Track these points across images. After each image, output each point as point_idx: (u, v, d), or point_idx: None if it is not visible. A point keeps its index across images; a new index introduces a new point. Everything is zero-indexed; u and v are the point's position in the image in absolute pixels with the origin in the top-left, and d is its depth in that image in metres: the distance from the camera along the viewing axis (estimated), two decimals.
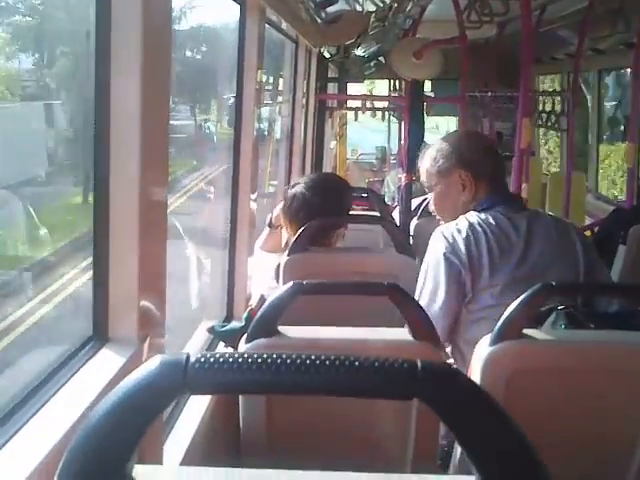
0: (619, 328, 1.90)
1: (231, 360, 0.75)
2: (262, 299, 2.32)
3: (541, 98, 7.15)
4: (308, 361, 0.73)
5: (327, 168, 8.43)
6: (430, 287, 2.31)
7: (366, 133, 17.11)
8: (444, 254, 2.27)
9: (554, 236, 2.32)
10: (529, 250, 2.27)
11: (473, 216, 2.34)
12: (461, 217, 2.35)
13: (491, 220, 2.31)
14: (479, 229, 2.28)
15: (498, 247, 2.26)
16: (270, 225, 3.21)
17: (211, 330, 2.45)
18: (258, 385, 0.75)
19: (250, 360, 0.74)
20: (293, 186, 2.88)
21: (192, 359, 0.76)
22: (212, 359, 0.76)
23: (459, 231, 2.28)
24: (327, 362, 0.72)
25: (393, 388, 0.72)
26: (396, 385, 0.72)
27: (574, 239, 2.34)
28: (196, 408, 2.18)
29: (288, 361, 0.73)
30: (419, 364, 0.71)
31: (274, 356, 0.74)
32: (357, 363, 0.72)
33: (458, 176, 2.44)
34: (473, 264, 2.24)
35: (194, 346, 2.72)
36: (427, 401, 0.71)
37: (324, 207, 2.76)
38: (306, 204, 2.79)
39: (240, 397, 1.90)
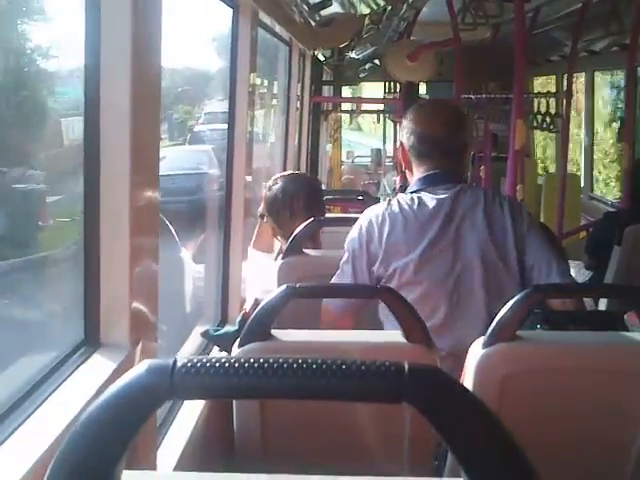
0: (596, 329, 1.91)
1: (217, 365, 0.74)
2: (256, 302, 2.31)
3: (536, 100, 7.15)
4: (295, 365, 0.72)
5: (322, 171, 8.42)
6: (343, 264, 2.37)
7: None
8: (359, 234, 2.34)
9: (480, 210, 2.31)
10: (449, 225, 2.29)
11: (397, 198, 2.38)
12: (388, 200, 2.41)
13: (415, 200, 2.33)
14: (396, 210, 2.31)
15: (416, 223, 2.29)
16: (261, 216, 3.23)
17: (205, 334, 2.44)
18: (244, 390, 0.74)
19: (237, 365, 0.74)
20: (270, 189, 3.00)
21: (179, 364, 0.76)
22: (199, 364, 0.75)
23: (376, 215, 2.33)
24: (314, 366, 0.72)
25: (380, 391, 0.71)
26: (383, 388, 0.71)
27: (504, 212, 2.33)
28: (190, 413, 2.17)
29: (275, 365, 0.73)
30: (406, 366, 0.71)
31: (261, 360, 0.73)
32: (344, 366, 0.71)
33: (402, 148, 2.49)
34: (384, 243, 2.29)
35: (188, 350, 2.72)
36: (414, 403, 0.70)
37: (294, 205, 2.91)
38: (276, 206, 2.94)
39: (234, 401, 1.89)
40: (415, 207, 2.32)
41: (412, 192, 2.40)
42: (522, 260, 2.29)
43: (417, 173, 2.45)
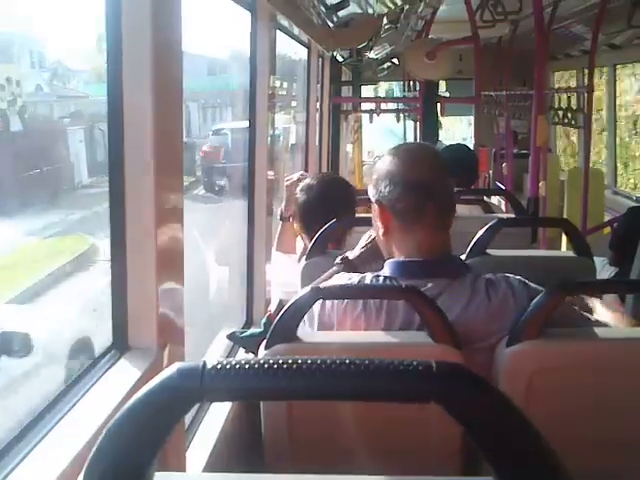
0: None
1: (247, 367, 0.75)
2: (281, 304, 2.31)
3: (557, 95, 7.11)
4: (323, 366, 0.73)
5: (343, 171, 8.43)
6: None
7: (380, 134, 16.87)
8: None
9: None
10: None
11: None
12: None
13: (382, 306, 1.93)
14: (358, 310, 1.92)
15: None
16: (282, 218, 3.22)
17: (231, 336, 2.45)
18: (273, 392, 0.75)
19: (266, 366, 0.74)
20: (301, 190, 2.93)
21: (209, 366, 0.76)
22: (228, 366, 0.76)
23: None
24: (342, 366, 0.72)
25: (408, 391, 0.72)
26: (411, 388, 0.71)
27: None
28: (218, 414, 2.19)
29: (304, 367, 0.73)
30: (434, 365, 0.71)
31: (289, 361, 0.74)
32: (371, 366, 0.72)
33: (379, 210, 1.93)
34: None
35: (214, 353, 2.73)
36: (443, 403, 0.70)
37: (332, 209, 2.80)
38: (313, 209, 2.85)
39: (261, 402, 1.90)
40: (361, 308, 1.90)
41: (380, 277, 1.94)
42: None
43: (395, 250, 1.93)
